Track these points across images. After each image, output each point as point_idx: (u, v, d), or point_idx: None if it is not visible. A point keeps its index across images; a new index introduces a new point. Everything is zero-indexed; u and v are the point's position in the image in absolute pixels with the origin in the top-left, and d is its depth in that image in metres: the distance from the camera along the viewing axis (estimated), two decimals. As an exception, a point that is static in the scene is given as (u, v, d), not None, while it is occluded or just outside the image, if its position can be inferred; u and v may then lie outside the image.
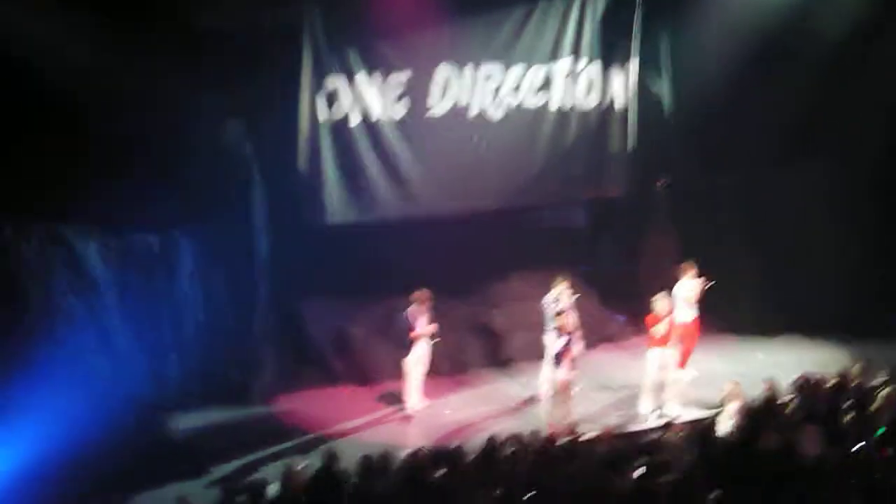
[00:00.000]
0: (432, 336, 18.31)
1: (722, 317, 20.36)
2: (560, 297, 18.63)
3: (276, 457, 15.78)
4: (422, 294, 18.10)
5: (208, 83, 17.34)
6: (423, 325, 18.14)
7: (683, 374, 18.77)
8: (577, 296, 18.89)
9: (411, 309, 18.10)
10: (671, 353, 18.22)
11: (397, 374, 18.69)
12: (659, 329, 17.95)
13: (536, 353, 18.59)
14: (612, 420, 17.52)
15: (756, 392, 16.67)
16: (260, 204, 18.66)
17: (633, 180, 22.42)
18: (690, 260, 19.12)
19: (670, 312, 18.23)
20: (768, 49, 20.83)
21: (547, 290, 18.82)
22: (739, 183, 21.98)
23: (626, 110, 22.03)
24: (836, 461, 14.46)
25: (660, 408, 18.12)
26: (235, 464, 16.45)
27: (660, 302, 18.06)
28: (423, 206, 20.02)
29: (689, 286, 18.86)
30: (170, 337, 18.29)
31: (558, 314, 17.71)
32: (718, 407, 16.75)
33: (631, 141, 22.17)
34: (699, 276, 18.99)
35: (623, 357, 20.54)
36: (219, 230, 18.32)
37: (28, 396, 16.32)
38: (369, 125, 19.48)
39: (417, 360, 18.27)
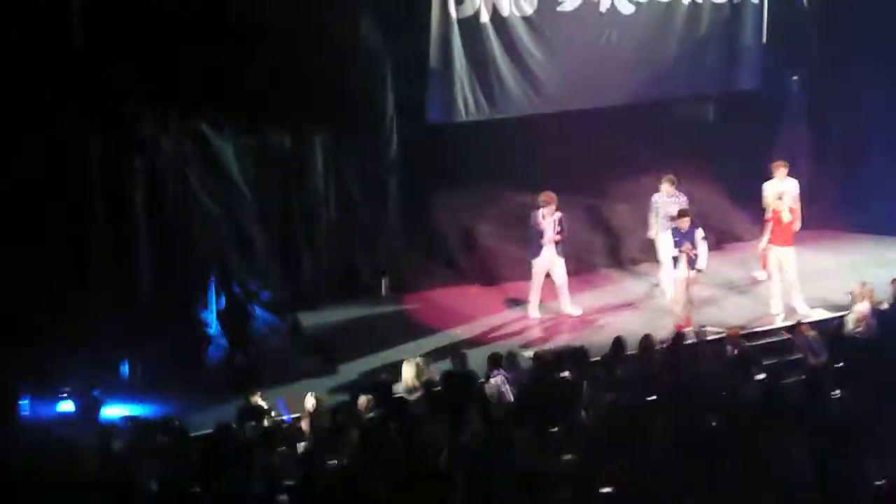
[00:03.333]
0: (558, 242, 18.47)
1: (854, 216, 20.33)
2: (678, 195, 18.90)
3: (404, 354, 15.91)
4: (548, 196, 18.32)
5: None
6: (549, 228, 18.32)
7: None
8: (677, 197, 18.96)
9: (540, 211, 18.34)
10: (789, 252, 18.31)
11: (524, 273, 19.09)
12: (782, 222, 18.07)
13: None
14: (739, 320, 17.70)
15: (884, 292, 16.80)
16: (391, 101, 19.01)
17: (766, 74, 22.37)
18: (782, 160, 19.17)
19: (791, 211, 18.34)
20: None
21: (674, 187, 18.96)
22: (874, 79, 21.71)
23: (760, 2, 22.00)
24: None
25: (788, 308, 18.25)
26: (364, 361, 17.02)
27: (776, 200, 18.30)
28: (554, 103, 20.29)
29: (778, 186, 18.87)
30: (302, 235, 18.90)
31: (680, 213, 17.99)
32: (847, 307, 16.86)
33: (765, 34, 22.12)
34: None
35: (749, 256, 20.52)
36: (350, 128, 18.77)
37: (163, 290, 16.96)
38: (499, 21, 19.70)
39: (543, 265, 18.51)
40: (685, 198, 18.91)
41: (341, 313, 18.64)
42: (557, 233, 18.31)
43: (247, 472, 12.34)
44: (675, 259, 17.86)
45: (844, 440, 12.29)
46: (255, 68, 17.22)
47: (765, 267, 18.96)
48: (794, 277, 18.35)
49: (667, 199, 18.91)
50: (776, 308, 18.37)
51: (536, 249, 18.42)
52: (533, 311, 18.71)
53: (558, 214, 18.35)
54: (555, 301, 18.81)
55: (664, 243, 18.49)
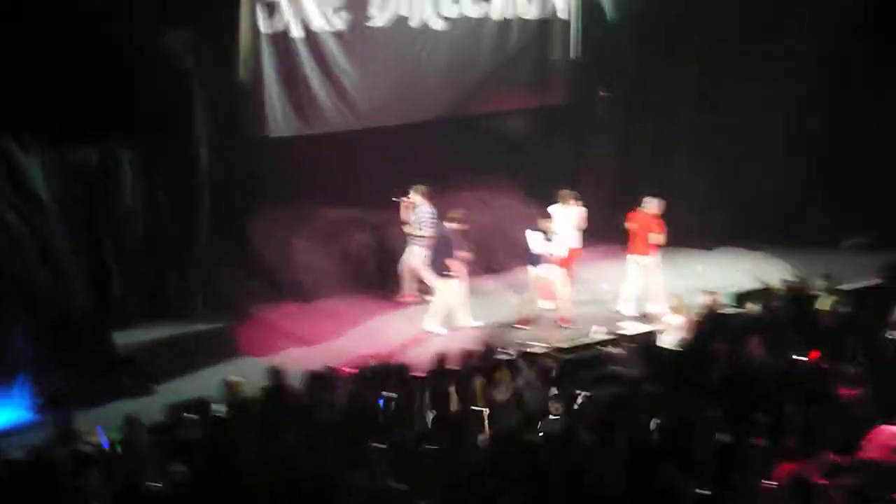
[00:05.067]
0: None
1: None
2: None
3: (221, 374, 15.84)
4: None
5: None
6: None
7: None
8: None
9: (451, 227, 18.76)
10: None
11: (341, 290, 19.51)
12: None
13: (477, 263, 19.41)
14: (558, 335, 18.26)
15: (697, 303, 17.31)
16: (202, 116, 18.82)
17: (575, 90, 22.95)
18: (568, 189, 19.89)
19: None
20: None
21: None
22: (682, 93, 22.40)
23: (568, 19, 22.53)
24: (778, 369, 15.09)
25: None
26: (181, 381, 16.91)
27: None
28: (366, 118, 20.51)
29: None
30: (113, 252, 18.46)
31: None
32: (660, 319, 17.36)
33: (573, 50, 22.68)
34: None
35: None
36: (160, 144, 18.51)
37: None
38: (310, 36, 19.82)
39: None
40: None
41: (155, 332, 18.32)
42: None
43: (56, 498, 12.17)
44: (537, 258, 18.64)
45: (656, 454, 12.61)
46: (61, 84, 16.81)
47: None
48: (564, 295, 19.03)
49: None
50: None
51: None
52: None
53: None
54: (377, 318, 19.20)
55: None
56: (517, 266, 20.42)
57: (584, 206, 20.00)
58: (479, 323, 18.83)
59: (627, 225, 19.42)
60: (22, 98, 16.52)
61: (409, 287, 19.87)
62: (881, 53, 21.84)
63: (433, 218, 19.34)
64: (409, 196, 19.42)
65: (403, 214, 19.49)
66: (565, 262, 19.28)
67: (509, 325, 18.82)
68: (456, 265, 18.69)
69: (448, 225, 18.77)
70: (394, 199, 19.44)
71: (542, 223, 18.77)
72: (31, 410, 15.90)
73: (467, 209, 19.71)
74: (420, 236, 19.38)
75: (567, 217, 19.65)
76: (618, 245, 20.12)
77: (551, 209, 19.56)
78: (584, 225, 19.70)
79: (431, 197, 19.53)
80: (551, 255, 18.70)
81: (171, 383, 16.81)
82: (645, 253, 19.30)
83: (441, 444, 13.18)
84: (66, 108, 16.96)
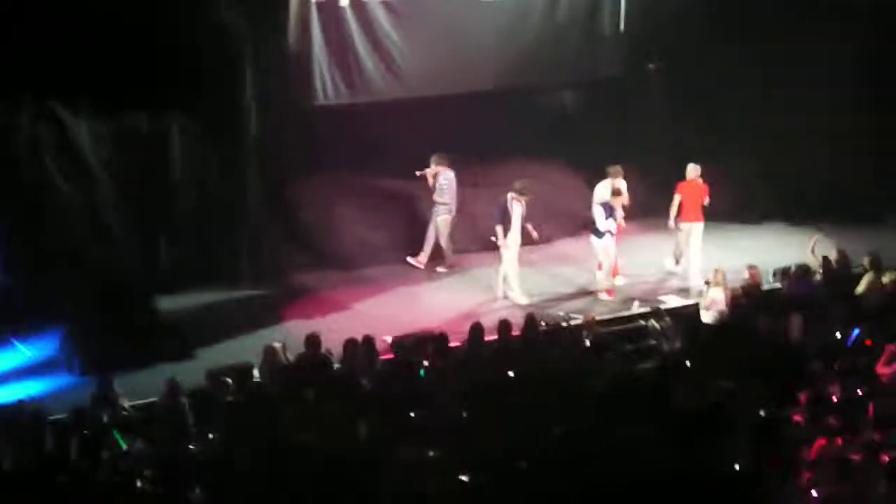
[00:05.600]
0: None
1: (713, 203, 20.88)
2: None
3: (263, 339, 15.94)
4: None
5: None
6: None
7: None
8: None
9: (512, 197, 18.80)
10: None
11: (385, 260, 19.69)
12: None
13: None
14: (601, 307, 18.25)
15: (739, 279, 17.32)
16: (251, 83, 18.91)
17: (625, 63, 22.91)
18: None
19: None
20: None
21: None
22: (729, 69, 22.32)
23: (617, -9, 22.38)
24: (818, 346, 15.10)
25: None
26: (223, 346, 17.06)
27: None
28: (414, 88, 20.56)
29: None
30: (161, 219, 18.76)
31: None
32: (702, 294, 17.36)
33: (623, 22, 22.56)
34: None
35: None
36: (209, 112, 18.64)
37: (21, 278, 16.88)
38: (358, 5, 19.91)
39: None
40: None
41: (200, 299, 18.62)
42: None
43: (98, 458, 12.38)
44: (603, 232, 18.68)
45: (700, 426, 12.66)
46: (112, 51, 16.97)
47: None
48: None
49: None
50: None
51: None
52: None
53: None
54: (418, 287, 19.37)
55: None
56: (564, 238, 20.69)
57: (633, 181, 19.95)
58: (526, 299, 18.84)
59: (677, 195, 19.42)
60: (73, 65, 16.69)
61: (426, 252, 20.00)
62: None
63: (453, 184, 19.59)
64: (431, 166, 19.50)
65: (430, 184, 19.63)
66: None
67: (568, 297, 18.88)
68: (510, 236, 18.72)
69: (511, 195, 18.76)
70: (417, 173, 19.52)
71: (612, 199, 18.83)
72: (75, 372, 16.05)
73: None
74: (442, 203, 19.59)
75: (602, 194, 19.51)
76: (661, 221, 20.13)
77: (604, 185, 19.50)
78: (628, 201, 19.62)
79: (453, 164, 19.66)
80: (613, 228, 18.81)
81: (213, 349, 16.93)
82: (697, 220, 19.40)
83: (478, 414, 13.32)
84: (117, 75, 17.14)
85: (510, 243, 18.67)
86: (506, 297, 18.74)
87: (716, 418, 12.79)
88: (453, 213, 19.83)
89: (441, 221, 19.75)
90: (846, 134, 22.34)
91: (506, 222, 18.64)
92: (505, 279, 18.82)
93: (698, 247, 19.47)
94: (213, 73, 18.37)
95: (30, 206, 17.34)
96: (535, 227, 19.08)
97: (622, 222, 19.13)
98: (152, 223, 18.63)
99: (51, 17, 16.48)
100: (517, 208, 18.69)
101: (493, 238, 18.85)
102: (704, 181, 19.56)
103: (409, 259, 20.00)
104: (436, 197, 19.63)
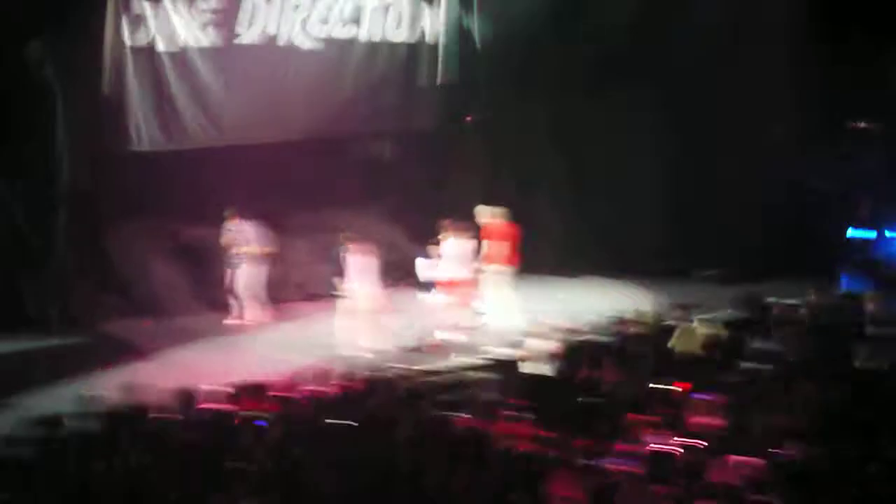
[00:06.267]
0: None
1: (524, 257, 21.13)
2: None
3: (74, 389, 15.72)
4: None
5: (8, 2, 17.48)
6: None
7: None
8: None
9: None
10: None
11: (197, 307, 19.70)
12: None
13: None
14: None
15: (557, 330, 17.55)
16: (63, 127, 18.73)
17: (442, 114, 23.18)
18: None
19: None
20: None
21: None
22: (547, 118, 22.73)
23: (436, 44, 22.71)
24: (631, 393, 15.37)
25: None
26: (33, 396, 16.59)
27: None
28: (230, 136, 20.53)
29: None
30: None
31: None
32: (521, 345, 17.53)
33: (441, 75, 22.79)
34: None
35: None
36: (19, 155, 18.32)
37: None
38: (176, 51, 19.87)
39: None
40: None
41: (11, 347, 18.20)
42: None
43: None
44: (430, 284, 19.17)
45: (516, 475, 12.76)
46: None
47: None
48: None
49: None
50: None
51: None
52: None
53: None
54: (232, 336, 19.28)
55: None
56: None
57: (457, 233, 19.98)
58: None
59: (484, 240, 19.61)
60: None
61: (239, 307, 19.94)
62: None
63: (250, 234, 19.62)
64: (227, 218, 19.56)
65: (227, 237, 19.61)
66: (453, 290, 19.46)
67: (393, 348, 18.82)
68: (347, 285, 18.74)
69: (344, 246, 18.76)
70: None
71: (430, 250, 18.96)
72: None
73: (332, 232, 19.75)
74: (245, 254, 19.59)
75: (453, 247, 19.61)
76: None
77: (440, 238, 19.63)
78: (472, 255, 19.72)
79: (244, 216, 19.67)
80: (438, 281, 18.95)
81: (23, 398, 16.46)
82: (503, 263, 19.61)
83: (294, 462, 13.23)
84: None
85: (347, 294, 18.72)
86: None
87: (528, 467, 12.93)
88: (255, 263, 19.73)
89: (240, 272, 19.69)
90: (657, 186, 22.94)
91: (341, 273, 18.69)
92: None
93: (507, 291, 19.68)
94: (24, 115, 18.17)
95: None
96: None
97: (446, 278, 19.27)
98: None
99: None
100: (354, 260, 18.74)
101: (332, 290, 18.88)
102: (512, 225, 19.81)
103: (227, 321, 19.83)
104: (234, 248, 19.59)
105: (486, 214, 19.82)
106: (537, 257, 21.28)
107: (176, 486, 12.60)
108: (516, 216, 19.89)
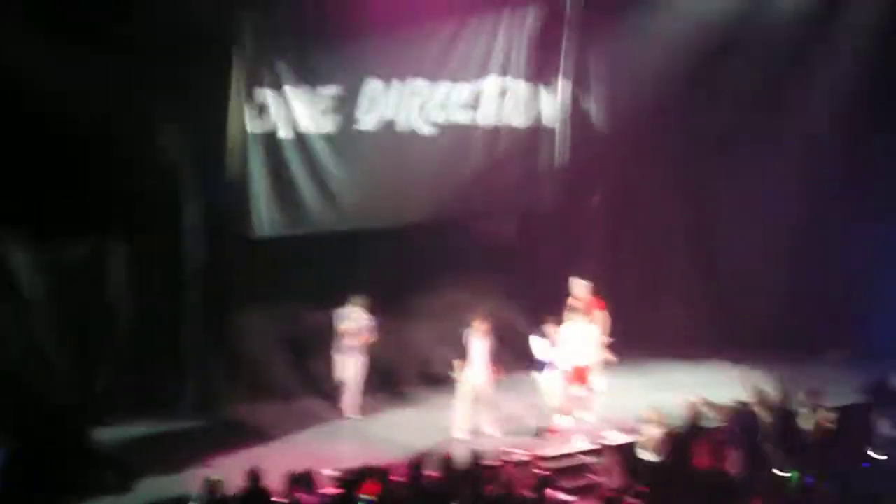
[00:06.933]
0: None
1: (645, 338, 21.10)
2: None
3: (202, 472, 15.91)
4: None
5: (140, 91, 17.85)
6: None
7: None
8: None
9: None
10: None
11: (326, 390, 19.94)
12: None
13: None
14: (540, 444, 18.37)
15: (678, 415, 17.47)
16: (192, 213, 19.19)
17: (564, 196, 23.17)
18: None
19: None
20: (703, 55, 22.25)
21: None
22: (668, 198, 22.70)
23: (555, 128, 22.76)
24: (759, 483, 15.25)
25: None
26: (161, 478, 16.92)
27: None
28: (353, 220, 20.62)
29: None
30: (100, 347, 18.81)
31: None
32: (639, 431, 17.46)
33: (560, 157, 22.89)
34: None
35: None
36: (150, 239, 18.89)
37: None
38: (298, 137, 20.01)
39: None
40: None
41: (138, 428, 18.56)
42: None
43: None
44: (544, 365, 18.91)
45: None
46: (50, 179, 17.13)
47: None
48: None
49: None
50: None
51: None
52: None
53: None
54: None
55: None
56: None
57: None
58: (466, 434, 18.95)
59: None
60: (10, 194, 16.84)
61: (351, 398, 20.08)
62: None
63: (370, 322, 19.81)
64: (349, 307, 19.75)
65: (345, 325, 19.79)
66: (571, 375, 19.47)
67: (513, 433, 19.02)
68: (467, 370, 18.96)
69: (469, 330, 19.00)
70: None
71: (546, 329, 18.98)
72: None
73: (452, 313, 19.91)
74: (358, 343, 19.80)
75: (576, 331, 19.58)
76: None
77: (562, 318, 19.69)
78: (591, 339, 19.69)
79: (363, 304, 19.82)
80: (553, 362, 18.94)
81: (151, 480, 16.84)
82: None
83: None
84: (55, 203, 17.31)
85: (468, 377, 18.85)
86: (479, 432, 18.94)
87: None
88: (364, 352, 19.94)
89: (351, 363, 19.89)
90: (782, 266, 22.83)
91: (464, 356, 18.79)
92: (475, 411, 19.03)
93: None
94: (154, 202, 18.59)
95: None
96: (496, 368, 19.22)
97: (565, 362, 19.31)
98: (90, 349, 18.65)
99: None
100: (477, 343, 18.88)
101: (449, 372, 19.07)
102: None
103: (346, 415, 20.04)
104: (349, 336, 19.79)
105: (581, 288, 19.92)
106: (661, 339, 21.17)
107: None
108: (638, 297, 19.86)
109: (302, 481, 14.94)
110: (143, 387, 19.15)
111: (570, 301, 19.92)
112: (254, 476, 14.90)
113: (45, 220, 17.46)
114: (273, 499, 14.76)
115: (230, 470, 15.80)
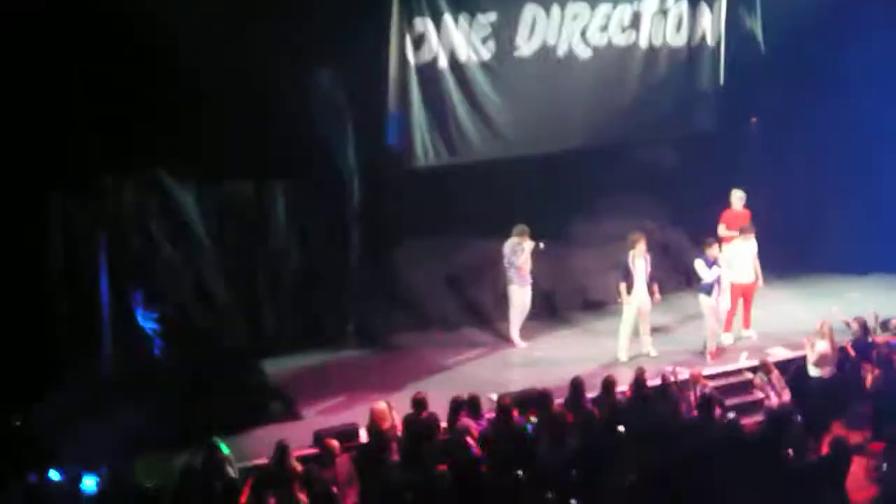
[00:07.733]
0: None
1: (812, 256, 20.91)
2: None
3: (368, 400, 16.19)
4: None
5: (298, 30, 18.03)
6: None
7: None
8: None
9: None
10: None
11: (485, 319, 20.34)
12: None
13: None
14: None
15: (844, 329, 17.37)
16: (352, 149, 19.47)
17: (724, 117, 22.94)
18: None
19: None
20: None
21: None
22: (828, 121, 22.45)
23: (716, 46, 22.58)
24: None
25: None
26: (328, 407, 17.45)
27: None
28: (512, 147, 20.70)
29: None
30: (265, 284, 19.34)
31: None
32: (807, 346, 17.37)
33: (722, 77, 22.68)
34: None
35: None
36: (312, 177, 19.26)
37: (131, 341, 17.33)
38: (457, 66, 20.10)
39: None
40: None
41: (304, 360, 19.05)
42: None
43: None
44: (710, 287, 18.85)
45: (807, 482, 12.76)
46: (217, 121, 17.48)
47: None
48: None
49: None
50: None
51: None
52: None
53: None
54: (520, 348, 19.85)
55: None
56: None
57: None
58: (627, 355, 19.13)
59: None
60: (178, 135, 17.23)
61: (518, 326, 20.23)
62: None
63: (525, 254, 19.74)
64: (515, 238, 19.77)
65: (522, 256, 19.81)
66: (737, 293, 19.57)
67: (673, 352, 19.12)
68: (633, 292, 19.04)
69: (632, 252, 18.99)
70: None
71: (708, 251, 19.01)
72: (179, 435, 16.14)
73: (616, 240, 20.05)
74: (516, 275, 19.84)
75: (738, 250, 19.69)
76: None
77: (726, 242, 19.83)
78: (753, 257, 19.77)
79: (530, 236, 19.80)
80: (716, 282, 18.98)
81: (318, 410, 17.35)
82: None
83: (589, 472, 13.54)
84: (223, 143, 17.69)
85: (632, 300, 18.98)
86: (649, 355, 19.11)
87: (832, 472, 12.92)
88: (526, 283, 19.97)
89: (511, 291, 20.00)
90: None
91: (629, 280, 18.94)
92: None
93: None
94: (316, 141, 18.92)
95: (137, 273, 17.85)
96: (654, 289, 19.26)
97: (738, 278, 19.37)
98: (257, 287, 19.20)
99: (158, 92, 16.92)
100: (640, 264, 18.97)
101: (617, 297, 19.24)
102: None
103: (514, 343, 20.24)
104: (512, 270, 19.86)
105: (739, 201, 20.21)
106: (827, 255, 20.94)
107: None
108: (802, 214, 19.68)
109: (468, 406, 15.23)
110: (308, 320, 19.71)
111: (725, 215, 19.99)
112: (419, 402, 15.24)
113: (211, 159, 17.77)
114: (441, 424, 15.05)
115: (397, 399, 16.10)
